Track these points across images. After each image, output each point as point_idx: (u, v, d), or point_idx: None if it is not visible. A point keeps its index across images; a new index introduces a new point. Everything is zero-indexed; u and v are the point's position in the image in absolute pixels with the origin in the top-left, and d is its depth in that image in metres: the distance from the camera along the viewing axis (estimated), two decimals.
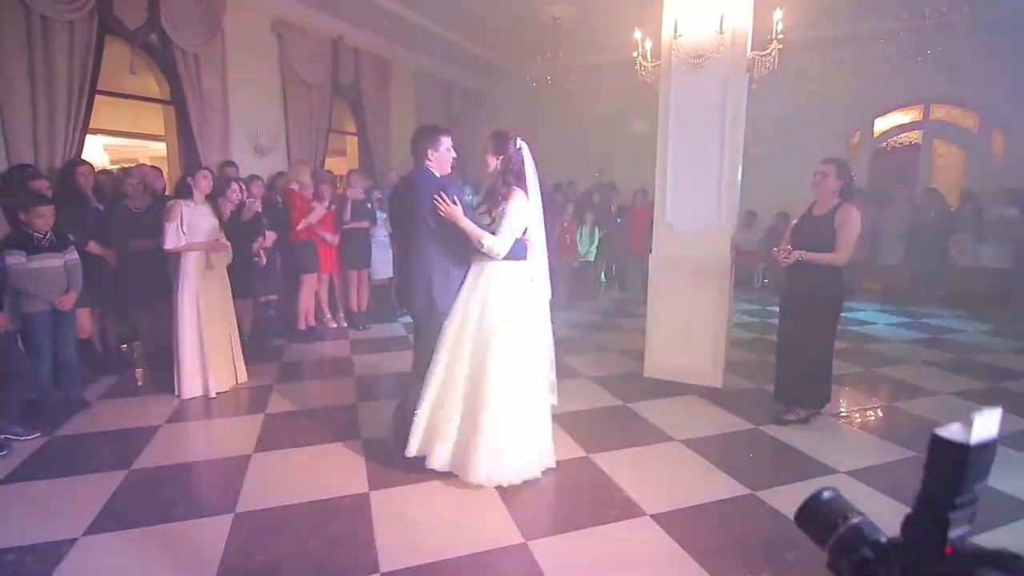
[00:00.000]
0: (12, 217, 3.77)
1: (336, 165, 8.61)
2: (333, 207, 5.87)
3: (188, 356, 4.04)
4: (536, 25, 7.70)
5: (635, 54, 4.32)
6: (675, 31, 3.79)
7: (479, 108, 10.98)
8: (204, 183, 4.16)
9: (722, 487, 2.91)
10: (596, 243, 8.33)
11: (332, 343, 5.72)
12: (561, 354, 5.16)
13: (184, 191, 4.19)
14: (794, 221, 3.66)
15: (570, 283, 8.43)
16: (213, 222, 4.20)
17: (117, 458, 3.18)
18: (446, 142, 2.96)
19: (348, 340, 5.84)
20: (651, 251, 4.39)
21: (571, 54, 8.15)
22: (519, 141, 2.96)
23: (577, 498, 2.85)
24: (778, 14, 3.83)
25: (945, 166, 9.30)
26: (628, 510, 2.68)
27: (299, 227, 5.55)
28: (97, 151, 9.37)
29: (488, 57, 9.61)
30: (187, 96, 5.65)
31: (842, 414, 3.94)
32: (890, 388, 4.47)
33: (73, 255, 3.78)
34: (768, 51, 3.89)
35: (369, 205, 6.24)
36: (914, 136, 9.43)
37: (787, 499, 2.76)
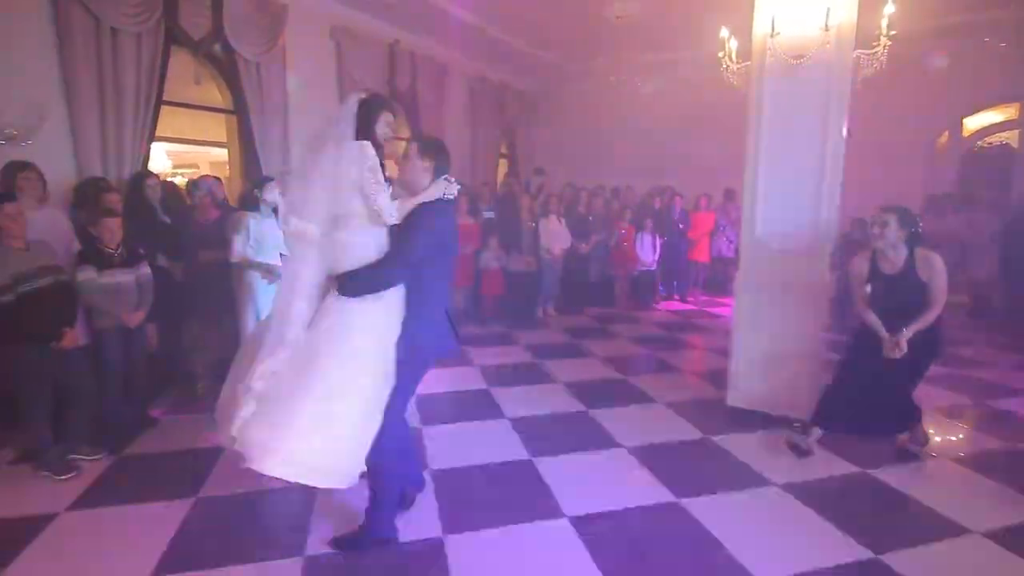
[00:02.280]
0: (83, 231, 3.76)
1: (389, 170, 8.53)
2: None
3: None
4: (596, 25, 7.38)
5: (720, 54, 3.97)
6: (772, 29, 3.43)
7: (534, 110, 10.74)
8: (272, 195, 4.06)
9: (840, 548, 2.56)
10: (656, 251, 7.94)
11: None
12: (629, 374, 4.98)
13: (250, 202, 4.11)
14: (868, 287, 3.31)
15: (629, 293, 8.10)
16: (278, 235, 4.10)
17: (184, 483, 3.08)
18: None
19: None
20: (737, 267, 4.04)
21: (633, 53, 7.79)
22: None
23: (675, 556, 2.55)
24: (889, 7, 3.42)
25: None
26: None
27: None
28: (160, 157, 9.61)
29: (544, 58, 9.33)
30: (249, 104, 5.62)
31: (959, 455, 3.49)
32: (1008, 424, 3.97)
33: (145, 270, 3.73)
34: (876, 49, 3.48)
35: None
36: (1008, 136, 8.64)
37: (918, 565, 2.40)
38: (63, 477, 3.12)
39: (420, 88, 7.89)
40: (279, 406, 2.17)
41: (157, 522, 2.73)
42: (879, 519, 2.82)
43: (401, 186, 2.42)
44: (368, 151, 2.25)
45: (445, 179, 2.40)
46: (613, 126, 9.55)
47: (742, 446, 3.57)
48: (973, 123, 8.66)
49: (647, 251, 7.89)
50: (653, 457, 3.43)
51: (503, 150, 10.50)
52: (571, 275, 7.60)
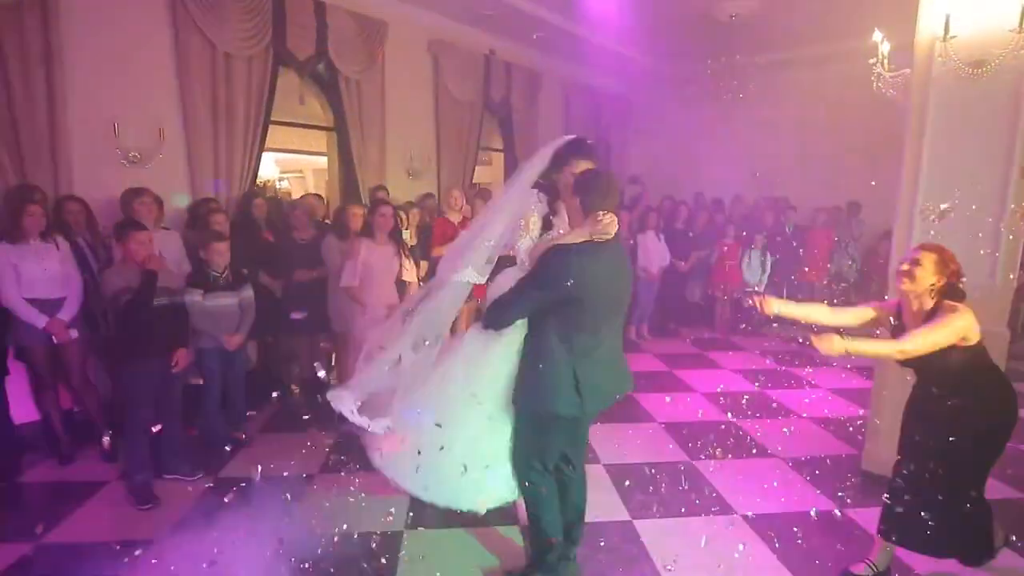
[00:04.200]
0: (194, 254, 3.88)
1: (479, 176, 8.42)
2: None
3: None
4: (708, 24, 6.81)
5: (872, 60, 3.39)
6: (946, 31, 2.84)
7: (630, 116, 10.25)
8: (383, 221, 3.95)
9: None
10: (767, 271, 7.21)
11: None
12: (739, 416, 4.46)
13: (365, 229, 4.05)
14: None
15: (732, 316, 7.43)
16: (394, 266, 4.03)
17: (277, 513, 3.03)
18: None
19: None
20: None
21: (744, 55, 7.12)
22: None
23: None
24: None
25: None
26: None
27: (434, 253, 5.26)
28: (267, 165, 10.18)
29: (642, 61, 8.83)
30: (348, 122, 5.68)
31: None
32: None
33: (247, 293, 3.80)
34: None
35: None
36: None
37: None
38: (144, 507, 3.11)
39: (514, 98, 7.70)
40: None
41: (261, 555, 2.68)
42: None
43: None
44: (530, 198, 2.29)
45: (594, 217, 2.10)
46: (715, 132, 8.85)
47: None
48: None
49: (755, 270, 7.19)
50: (775, 528, 2.96)
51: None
52: (668, 294, 7.10)
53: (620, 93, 9.89)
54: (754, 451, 3.92)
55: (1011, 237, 3.03)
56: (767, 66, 7.72)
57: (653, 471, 3.61)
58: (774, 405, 4.84)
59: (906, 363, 2.39)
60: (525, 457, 2.37)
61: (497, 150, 8.34)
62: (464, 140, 7.09)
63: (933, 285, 2.30)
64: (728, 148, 8.93)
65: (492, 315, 2.24)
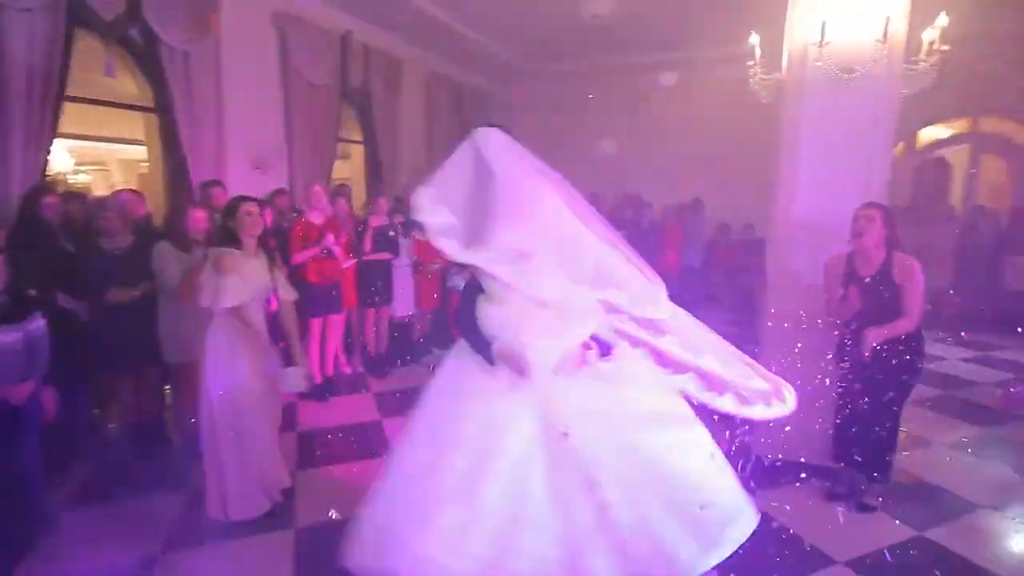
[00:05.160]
0: None
1: (337, 171, 7.63)
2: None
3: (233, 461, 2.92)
4: (571, 24, 6.86)
5: (750, 63, 3.52)
6: (822, 37, 3.00)
7: (490, 112, 10.11)
8: (251, 223, 2.95)
9: None
10: None
11: (352, 401, 4.79)
12: None
13: (224, 235, 3.00)
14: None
15: None
16: (267, 282, 3.05)
17: None
18: None
19: (371, 394, 4.92)
20: (769, 306, 3.61)
21: (603, 54, 7.33)
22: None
23: None
24: (942, 19, 3.08)
25: (994, 182, 8.80)
26: None
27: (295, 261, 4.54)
28: (60, 155, 8.19)
29: (507, 56, 8.71)
30: (175, 102, 4.65)
31: None
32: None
33: (36, 324, 2.77)
34: (926, 62, 3.14)
35: (392, 233, 5.32)
36: (946, 151, 8.92)
37: None
38: None
39: (375, 85, 7.07)
40: None
41: None
42: None
43: None
44: None
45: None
46: (577, 130, 9.08)
47: (787, 512, 3.13)
48: (928, 135, 8.86)
49: None
50: None
51: None
52: None
53: (482, 87, 9.70)
54: None
55: None
56: (628, 68, 8.05)
57: None
58: None
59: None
60: None
61: (357, 142, 7.62)
62: (320, 129, 6.31)
63: (884, 237, 2.82)
64: (588, 145, 9.23)
65: None
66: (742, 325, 7.75)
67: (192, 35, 4.66)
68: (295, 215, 4.94)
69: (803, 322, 3.43)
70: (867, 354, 2.80)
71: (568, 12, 6.54)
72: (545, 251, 2.03)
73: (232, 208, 2.99)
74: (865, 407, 2.94)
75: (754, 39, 3.53)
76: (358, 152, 7.83)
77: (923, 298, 2.84)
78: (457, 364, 2.20)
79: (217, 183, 4.46)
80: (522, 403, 1.98)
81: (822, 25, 2.99)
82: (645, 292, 2.15)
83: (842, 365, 3.07)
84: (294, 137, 6.00)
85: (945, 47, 3.08)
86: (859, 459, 3.01)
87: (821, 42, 3.01)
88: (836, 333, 3.17)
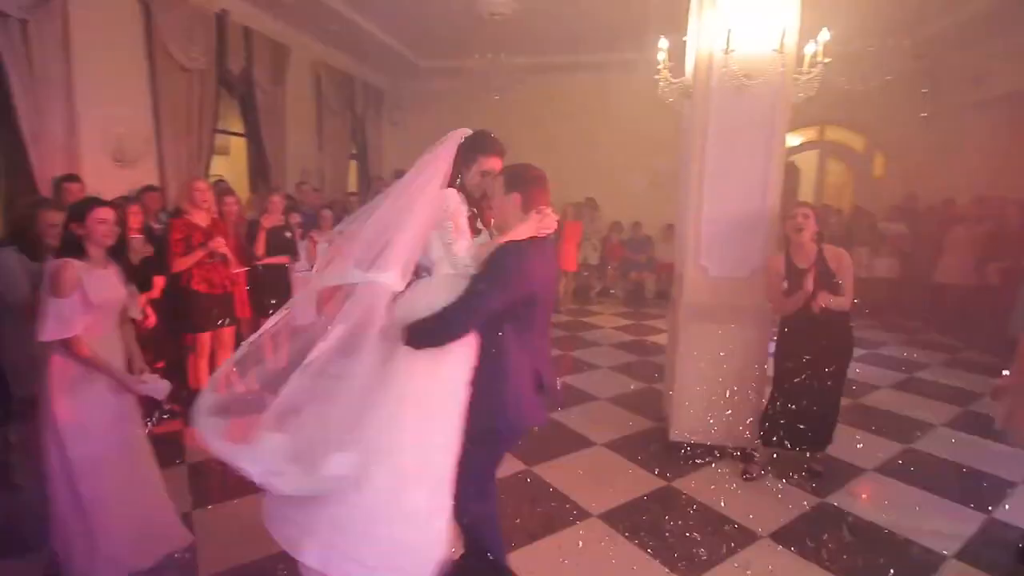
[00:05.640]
0: None
1: (215, 167, 6.89)
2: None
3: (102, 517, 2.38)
4: (471, 21, 6.75)
5: (660, 66, 3.66)
6: (727, 45, 3.19)
7: (382, 108, 9.72)
8: (103, 231, 2.40)
9: None
10: None
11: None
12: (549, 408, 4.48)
13: (68, 243, 2.41)
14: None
15: None
16: (120, 298, 2.54)
17: None
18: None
19: None
20: (681, 298, 3.78)
21: (511, 54, 7.31)
22: None
23: None
24: (824, 35, 3.40)
25: (835, 183, 10.12)
26: None
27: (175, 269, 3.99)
28: None
29: (400, 51, 8.39)
30: (11, 81, 3.87)
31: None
32: (891, 424, 4.34)
33: None
34: (810, 73, 3.45)
35: (289, 235, 4.87)
36: (796, 157, 10.11)
37: None
38: None
39: (257, 72, 6.46)
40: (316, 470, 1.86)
41: None
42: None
43: (500, 230, 2.09)
44: (452, 200, 2.03)
45: (537, 211, 2.01)
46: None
47: (711, 493, 3.31)
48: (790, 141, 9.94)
49: None
50: (632, 526, 2.97)
51: (353, 150, 9.31)
52: None
53: (378, 83, 9.29)
54: (580, 445, 3.96)
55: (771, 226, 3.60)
56: (529, 68, 8.10)
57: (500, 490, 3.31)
58: (576, 392, 5.03)
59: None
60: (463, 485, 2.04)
61: (237, 134, 6.91)
62: (194, 119, 5.63)
63: (816, 232, 3.25)
64: None
65: (433, 329, 1.93)
66: (635, 317, 8.23)
67: (31, 1, 3.89)
68: (171, 215, 4.34)
69: (716, 315, 3.65)
70: (823, 305, 3.12)
71: (467, 7, 6.43)
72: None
73: (79, 211, 2.40)
74: (813, 386, 3.28)
75: (663, 44, 3.68)
76: (239, 148, 7.13)
77: (852, 280, 3.23)
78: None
79: (73, 178, 3.77)
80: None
81: (728, 33, 3.16)
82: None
83: (785, 351, 3.42)
84: (163, 126, 5.29)
85: (828, 59, 3.40)
86: (809, 434, 3.37)
87: (727, 49, 3.19)
88: (774, 332, 3.49)
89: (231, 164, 7.50)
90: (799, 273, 3.24)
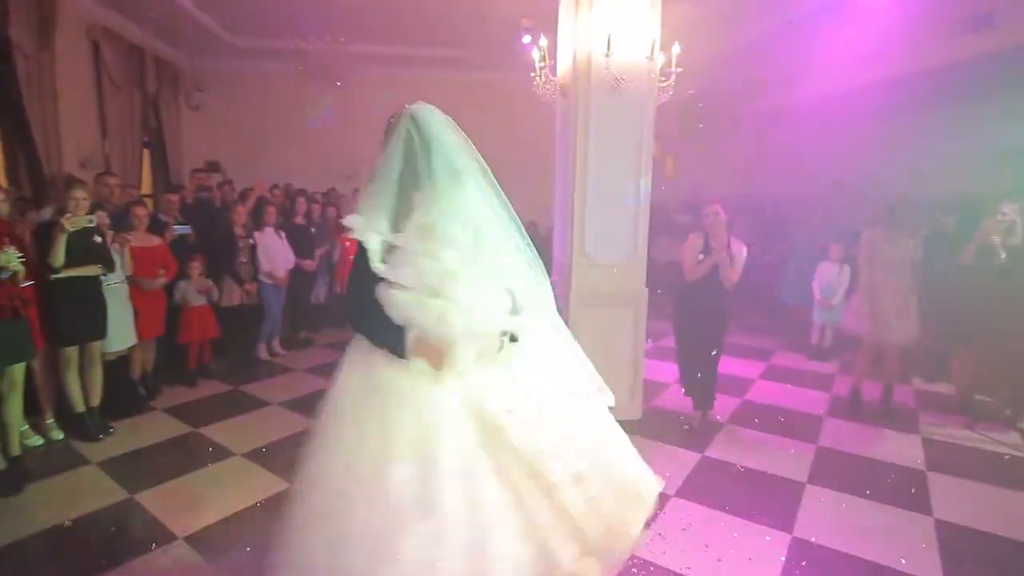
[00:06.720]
0: None
1: None
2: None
3: None
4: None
5: (539, 65, 3.77)
6: (608, 48, 3.42)
7: (179, 87, 8.31)
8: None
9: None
10: None
11: (59, 483, 3.30)
12: None
13: None
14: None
15: None
16: None
17: None
18: None
19: (93, 466, 3.51)
20: (571, 286, 3.97)
21: (345, 39, 6.80)
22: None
23: None
24: (676, 48, 3.86)
25: None
26: None
27: None
28: None
29: (203, 21, 7.22)
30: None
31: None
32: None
33: None
34: (667, 82, 3.90)
35: (99, 238, 3.88)
36: None
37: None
38: None
39: (14, 33, 5.01)
40: None
41: None
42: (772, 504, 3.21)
43: None
44: None
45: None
46: (296, 116, 8.29)
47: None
48: None
49: None
50: None
51: (146, 137, 7.78)
52: (296, 299, 6.24)
53: (173, 57, 7.90)
54: None
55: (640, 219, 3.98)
56: (364, 56, 7.61)
57: None
58: None
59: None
60: None
61: None
62: None
63: (728, 221, 3.77)
64: (308, 135, 8.51)
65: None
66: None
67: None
68: None
69: (603, 299, 3.91)
70: (737, 276, 3.77)
71: None
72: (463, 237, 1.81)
73: None
74: (709, 354, 3.89)
75: (543, 43, 3.81)
76: None
77: (743, 264, 3.81)
78: (362, 363, 1.79)
79: None
80: (450, 398, 1.74)
81: (608, 38, 3.40)
82: (536, 294, 2.08)
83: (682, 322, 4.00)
84: None
85: (680, 69, 3.86)
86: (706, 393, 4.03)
87: (608, 52, 3.43)
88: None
89: None
90: (712, 251, 3.75)
